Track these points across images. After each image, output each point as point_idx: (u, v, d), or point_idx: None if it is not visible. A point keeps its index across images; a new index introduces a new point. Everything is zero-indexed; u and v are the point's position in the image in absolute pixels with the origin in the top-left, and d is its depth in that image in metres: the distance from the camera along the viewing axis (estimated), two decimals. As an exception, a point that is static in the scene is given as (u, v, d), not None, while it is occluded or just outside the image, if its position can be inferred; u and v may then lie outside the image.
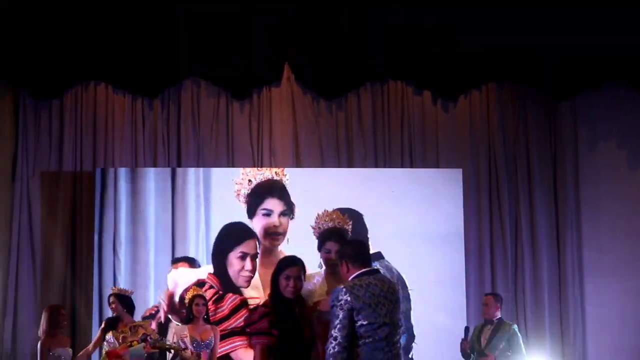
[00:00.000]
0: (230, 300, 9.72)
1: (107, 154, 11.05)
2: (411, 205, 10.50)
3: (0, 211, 10.81)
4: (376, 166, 11.17)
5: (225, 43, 10.97)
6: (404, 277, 9.68)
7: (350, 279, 5.68)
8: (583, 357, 10.98)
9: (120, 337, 8.35)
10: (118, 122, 11.14)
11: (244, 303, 9.70)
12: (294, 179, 10.34)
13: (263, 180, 10.23)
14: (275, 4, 11.00)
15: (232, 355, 9.51)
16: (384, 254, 10.04)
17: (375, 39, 11.06)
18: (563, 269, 11.13)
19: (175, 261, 10.23)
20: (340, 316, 5.45)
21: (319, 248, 8.42)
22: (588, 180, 11.29)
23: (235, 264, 9.99)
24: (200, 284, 9.60)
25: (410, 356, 9.53)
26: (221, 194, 10.41)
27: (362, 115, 11.33)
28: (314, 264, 8.58)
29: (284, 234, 10.10)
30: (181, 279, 9.79)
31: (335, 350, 5.44)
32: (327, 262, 8.18)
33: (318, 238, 8.75)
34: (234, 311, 9.67)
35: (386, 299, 5.54)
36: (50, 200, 10.93)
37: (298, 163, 11.11)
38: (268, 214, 10.14)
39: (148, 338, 8.42)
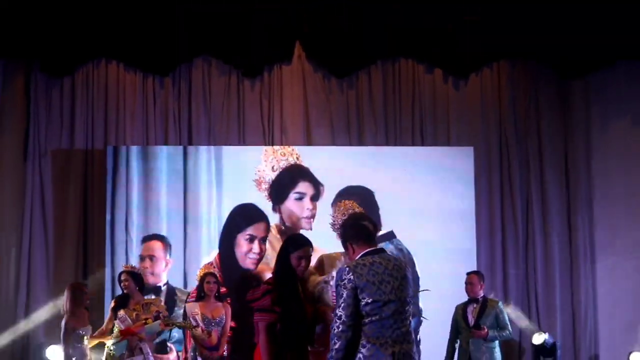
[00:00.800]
0: None
1: (118, 132, 11.06)
2: (422, 183, 10.51)
3: (12, 189, 10.85)
4: (387, 144, 11.16)
5: (236, 21, 10.93)
6: (414, 258, 9.70)
7: (356, 259, 5.69)
8: (594, 335, 10.99)
9: (134, 315, 8.38)
10: (129, 100, 11.15)
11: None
12: (304, 157, 10.38)
13: (291, 164, 10.27)
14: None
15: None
16: (395, 231, 10.07)
17: (385, 17, 11.00)
18: (574, 247, 11.13)
19: (147, 239, 10.26)
20: (344, 295, 5.44)
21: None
22: (600, 157, 11.26)
23: (242, 245, 10.06)
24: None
25: (417, 338, 9.55)
26: (232, 171, 10.43)
27: (373, 94, 11.31)
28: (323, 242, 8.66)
29: (314, 217, 10.17)
30: None
31: (340, 329, 5.43)
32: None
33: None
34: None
35: (391, 277, 5.52)
36: (62, 178, 10.95)
37: (309, 141, 11.10)
38: (301, 197, 10.18)
39: (160, 315, 8.47)
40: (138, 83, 11.19)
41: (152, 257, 10.24)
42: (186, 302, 9.46)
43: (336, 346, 5.43)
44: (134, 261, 9.96)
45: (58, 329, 9.84)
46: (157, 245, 10.28)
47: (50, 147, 11.01)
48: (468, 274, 9.48)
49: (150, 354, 8.36)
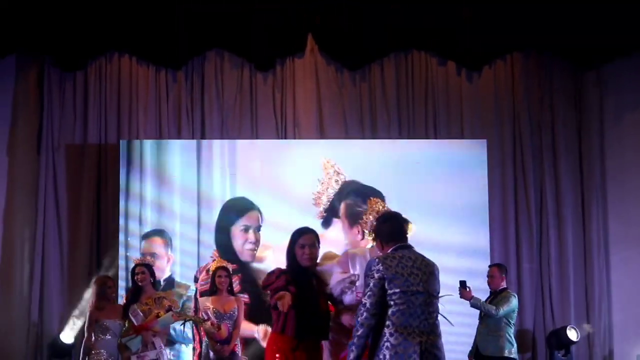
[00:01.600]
0: None
1: (131, 126, 11.07)
2: (435, 176, 10.50)
3: (26, 184, 10.88)
4: (400, 137, 11.13)
5: (248, 15, 10.92)
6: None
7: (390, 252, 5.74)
8: (609, 328, 10.94)
9: (147, 309, 8.39)
10: (142, 93, 11.17)
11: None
12: (317, 150, 10.36)
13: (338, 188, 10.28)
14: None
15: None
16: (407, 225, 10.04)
17: (397, 10, 10.97)
18: (588, 240, 11.08)
19: (147, 236, 10.26)
20: (371, 284, 5.53)
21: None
22: (614, 150, 11.20)
23: (238, 236, 10.08)
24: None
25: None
26: (246, 165, 10.44)
27: (386, 86, 11.29)
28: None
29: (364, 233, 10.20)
30: None
31: (364, 316, 5.51)
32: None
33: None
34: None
35: (419, 270, 5.59)
36: (75, 172, 10.99)
37: (322, 134, 11.09)
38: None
39: (172, 308, 8.48)
40: (150, 76, 11.20)
41: (153, 255, 10.22)
42: (195, 296, 9.49)
43: (359, 333, 5.51)
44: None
45: (71, 321, 9.97)
46: (157, 241, 10.28)
47: (64, 141, 11.04)
48: (490, 266, 9.47)
49: (163, 347, 8.38)
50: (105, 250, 10.78)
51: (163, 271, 10.24)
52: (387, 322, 5.48)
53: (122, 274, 10.24)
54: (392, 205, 9.67)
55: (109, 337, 8.52)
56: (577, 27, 10.91)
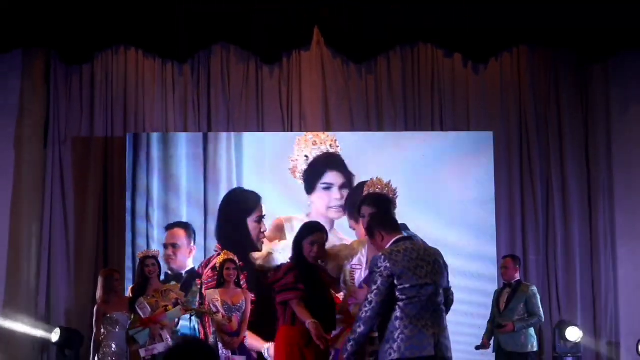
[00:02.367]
0: None
1: (137, 119, 11.07)
2: (442, 169, 10.48)
3: (32, 177, 10.89)
4: (406, 129, 11.12)
5: (255, 8, 10.92)
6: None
7: (387, 246, 5.69)
8: (615, 320, 10.92)
9: (154, 302, 8.41)
10: (148, 86, 11.16)
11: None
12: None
13: (320, 154, 10.26)
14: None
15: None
16: (414, 217, 10.04)
17: (404, 2, 10.96)
18: (595, 232, 11.04)
19: (170, 227, 10.27)
20: (379, 282, 5.48)
21: (358, 213, 8.43)
22: (620, 142, 11.17)
23: (253, 227, 10.09)
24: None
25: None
26: (252, 158, 10.44)
27: (392, 79, 11.27)
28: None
29: (344, 207, 10.15)
30: None
31: (368, 314, 5.47)
32: (363, 226, 8.16)
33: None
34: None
35: (424, 261, 5.57)
36: (82, 165, 10.99)
37: (328, 127, 11.06)
38: (328, 187, 10.18)
39: (179, 301, 8.50)
40: (157, 70, 11.19)
41: (175, 245, 10.26)
42: (201, 288, 9.49)
43: (360, 329, 5.49)
44: (155, 248, 9.95)
45: (78, 314, 9.97)
46: (180, 233, 10.30)
47: (70, 135, 11.04)
48: (503, 257, 9.50)
49: (170, 340, 8.40)
50: (112, 243, 10.81)
51: (183, 263, 10.24)
52: (400, 315, 5.46)
53: (128, 266, 10.23)
54: (399, 198, 9.71)
55: (118, 329, 8.55)
56: (583, 19, 10.89)
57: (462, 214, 10.36)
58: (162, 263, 9.35)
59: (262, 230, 10.14)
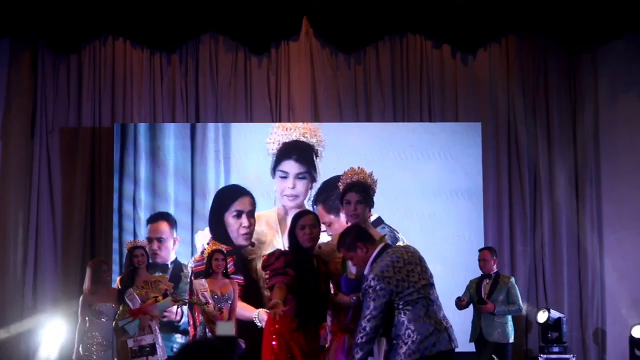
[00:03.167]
0: None
1: (125, 110, 11.04)
2: (430, 159, 10.50)
3: (19, 167, 10.87)
4: (395, 120, 11.11)
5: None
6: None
7: (371, 259, 5.66)
8: (601, 309, 10.95)
9: (143, 293, 8.38)
10: (136, 77, 11.14)
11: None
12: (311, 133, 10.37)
13: (289, 141, 10.24)
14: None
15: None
16: (402, 208, 10.06)
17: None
18: (582, 222, 11.06)
19: (153, 220, 10.24)
20: (371, 307, 5.46)
21: (341, 201, 8.39)
22: (608, 133, 11.18)
23: (232, 223, 10.08)
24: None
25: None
26: (240, 149, 10.42)
27: (381, 69, 11.26)
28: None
29: (299, 196, 10.13)
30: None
31: (363, 340, 5.49)
32: (348, 214, 8.14)
33: (341, 192, 8.77)
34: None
35: (412, 264, 5.58)
36: (69, 156, 10.96)
37: (316, 118, 11.06)
38: (284, 176, 10.19)
39: (168, 292, 8.49)
40: (145, 60, 11.17)
41: (160, 239, 10.25)
42: (190, 278, 9.47)
43: (358, 356, 5.52)
44: (142, 238, 9.93)
45: (65, 305, 9.94)
46: (163, 225, 10.28)
47: (58, 125, 11.01)
48: (480, 250, 9.56)
49: (159, 331, 8.39)
50: (99, 234, 10.79)
51: (168, 254, 10.23)
52: (409, 316, 5.45)
53: (115, 257, 10.22)
54: (387, 189, 9.74)
55: (103, 320, 8.53)
56: (571, 9, 10.90)
57: (449, 205, 10.38)
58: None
59: (242, 224, 10.11)
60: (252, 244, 10.07)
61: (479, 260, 9.47)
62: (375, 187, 9.15)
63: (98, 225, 10.83)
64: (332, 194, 9.71)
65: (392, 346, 5.55)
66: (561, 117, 11.23)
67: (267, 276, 6.54)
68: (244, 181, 10.37)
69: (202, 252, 9.47)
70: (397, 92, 11.25)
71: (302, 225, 6.41)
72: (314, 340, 6.35)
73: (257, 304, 9.55)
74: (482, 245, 9.99)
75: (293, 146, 10.30)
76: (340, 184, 9.24)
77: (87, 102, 11.02)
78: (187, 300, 8.71)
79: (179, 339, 9.84)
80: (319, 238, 6.49)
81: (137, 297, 8.34)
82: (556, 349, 10.08)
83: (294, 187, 10.17)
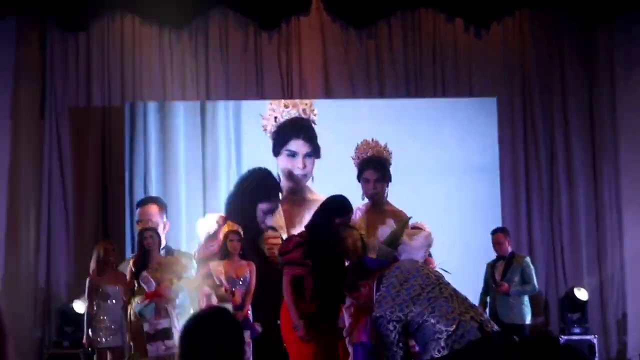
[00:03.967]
0: None
1: (135, 88, 10.92)
2: (445, 135, 10.34)
3: (30, 148, 10.75)
4: (408, 96, 10.97)
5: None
6: None
7: (376, 295, 5.55)
8: (622, 287, 10.83)
9: (158, 275, 8.27)
10: (145, 54, 10.99)
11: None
12: (323, 110, 10.17)
13: (289, 118, 10.02)
14: None
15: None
16: (417, 186, 9.90)
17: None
18: (600, 199, 10.92)
19: (142, 203, 10.00)
20: (392, 338, 5.37)
21: (358, 178, 8.25)
22: (625, 106, 11.02)
23: (260, 216, 9.84)
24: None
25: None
26: (252, 127, 10.26)
27: (393, 44, 11.11)
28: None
29: (307, 175, 9.96)
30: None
31: (402, 354, 5.39)
32: (367, 192, 8.03)
33: (357, 168, 8.64)
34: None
35: (407, 281, 5.49)
36: (80, 136, 10.84)
37: (328, 94, 10.94)
38: (292, 155, 9.98)
39: (183, 275, 8.38)
40: (154, 37, 11.03)
41: (149, 223, 10.01)
42: (197, 259, 9.22)
43: None
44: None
45: (79, 288, 9.85)
46: (153, 209, 9.95)
47: (68, 104, 10.87)
48: (493, 233, 9.40)
49: (175, 315, 8.27)
50: (111, 214, 10.67)
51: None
52: (433, 319, 5.33)
53: (127, 238, 10.10)
54: (401, 165, 9.60)
55: (110, 303, 8.45)
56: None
57: (466, 181, 10.22)
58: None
59: (266, 222, 9.89)
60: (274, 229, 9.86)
61: (493, 243, 9.34)
62: (391, 160, 9.06)
63: (110, 205, 10.71)
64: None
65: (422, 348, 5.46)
66: (577, 91, 11.08)
67: (284, 262, 6.47)
68: (256, 159, 10.18)
69: (213, 234, 9.22)
70: (410, 68, 11.10)
71: (344, 223, 6.35)
72: (333, 322, 6.30)
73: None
74: (500, 224, 9.84)
75: (296, 124, 10.08)
76: (354, 158, 9.13)
77: (97, 80, 10.89)
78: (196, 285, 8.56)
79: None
80: None
81: (152, 280, 8.23)
82: (577, 330, 9.98)
83: (304, 167, 9.99)
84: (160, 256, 8.62)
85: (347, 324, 6.40)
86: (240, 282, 8.39)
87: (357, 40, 11.13)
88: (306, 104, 10.13)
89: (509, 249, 9.34)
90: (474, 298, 8.89)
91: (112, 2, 10.88)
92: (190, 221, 10.03)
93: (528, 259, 9.40)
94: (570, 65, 11.11)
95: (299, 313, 6.38)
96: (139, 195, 10.22)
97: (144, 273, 8.28)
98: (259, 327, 8.29)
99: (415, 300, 5.37)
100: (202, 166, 10.34)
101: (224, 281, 8.34)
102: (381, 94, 11.00)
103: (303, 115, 10.04)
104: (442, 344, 5.27)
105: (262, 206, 9.78)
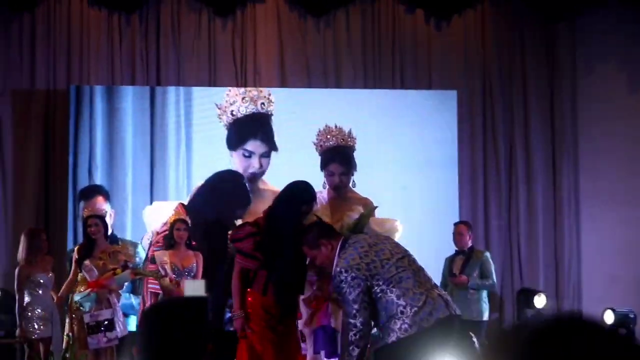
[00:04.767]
0: None
1: (82, 72, 10.59)
2: (403, 128, 10.13)
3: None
4: (366, 87, 10.77)
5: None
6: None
7: (337, 254, 5.34)
8: (578, 286, 10.78)
9: (101, 264, 7.94)
10: (94, 37, 10.66)
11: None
12: (278, 99, 9.81)
13: (246, 114, 9.54)
14: None
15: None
16: (374, 179, 9.65)
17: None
18: (558, 196, 10.85)
19: (89, 195, 9.53)
20: (351, 301, 5.14)
21: (322, 168, 8.10)
22: (585, 103, 10.97)
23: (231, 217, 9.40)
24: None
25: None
26: (203, 114, 9.93)
27: (352, 34, 10.91)
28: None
29: (263, 172, 9.57)
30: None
31: (357, 337, 5.19)
32: (331, 184, 7.90)
33: (321, 157, 8.39)
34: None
35: (376, 245, 5.35)
36: (22, 119, 10.50)
37: (284, 83, 10.71)
38: (249, 155, 9.54)
39: (128, 264, 8.06)
40: (103, 20, 10.69)
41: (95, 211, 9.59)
42: (148, 249, 8.89)
43: (355, 353, 5.20)
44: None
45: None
46: (99, 200, 9.57)
47: (10, 87, 10.52)
48: (456, 224, 9.27)
49: (118, 305, 7.95)
50: (53, 202, 10.33)
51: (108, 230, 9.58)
52: (397, 293, 5.14)
53: (70, 226, 9.73)
54: (358, 157, 9.32)
55: (41, 291, 8.09)
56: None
57: (423, 175, 10.04)
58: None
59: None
60: None
61: (453, 234, 9.17)
62: (355, 147, 8.84)
63: (52, 192, 10.37)
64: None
65: (384, 331, 5.19)
66: (538, 87, 10.98)
67: (236, 249, 6.24)
68: (207, 147, 9.81)
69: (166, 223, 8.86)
70: (368, 58, 10.90)
71: (307, 211, 6.10)
72: (292, 316, 6.05)
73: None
74: (457, 219, 9.66)
75: (257, 122, 9.54)
76: (316, 145, 8.87)
77: (41, 62, 10.54)
78: (146, 273, 8.23)
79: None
80: None
81: (95, 269, 7.88)
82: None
83: (260, 167, 9.58)
84: (106, 244, 8.31)
85: (304, 315, 6.19)
86: (186, 273, 8.05)
87: (314, 28, 10.92)
88: (265, 97, 9.65)
89: (469, 243, 9.17)
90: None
91: (59, -18, 10.52)
92: (137, 209, 9.67)
93: (488, 254, 9.28)
94: (532, 60, 11.00)
95: (241, 302, 6.08)
96: (83, 182, 9.85)
97: (87, 262, 7.95)
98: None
99: (385, 264, 5.16)
100: (150, 153, 10.00)
101: (169, 271, 7.99)
102: (338, 85, 10.80)
103: (261, 110, 9.58)
104: (409, 321, 5.02)
105: (239, 212, 9.36)
